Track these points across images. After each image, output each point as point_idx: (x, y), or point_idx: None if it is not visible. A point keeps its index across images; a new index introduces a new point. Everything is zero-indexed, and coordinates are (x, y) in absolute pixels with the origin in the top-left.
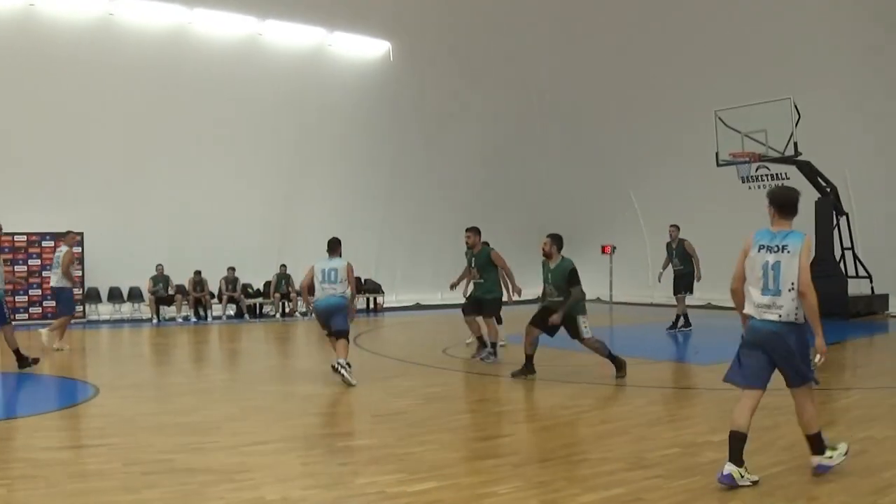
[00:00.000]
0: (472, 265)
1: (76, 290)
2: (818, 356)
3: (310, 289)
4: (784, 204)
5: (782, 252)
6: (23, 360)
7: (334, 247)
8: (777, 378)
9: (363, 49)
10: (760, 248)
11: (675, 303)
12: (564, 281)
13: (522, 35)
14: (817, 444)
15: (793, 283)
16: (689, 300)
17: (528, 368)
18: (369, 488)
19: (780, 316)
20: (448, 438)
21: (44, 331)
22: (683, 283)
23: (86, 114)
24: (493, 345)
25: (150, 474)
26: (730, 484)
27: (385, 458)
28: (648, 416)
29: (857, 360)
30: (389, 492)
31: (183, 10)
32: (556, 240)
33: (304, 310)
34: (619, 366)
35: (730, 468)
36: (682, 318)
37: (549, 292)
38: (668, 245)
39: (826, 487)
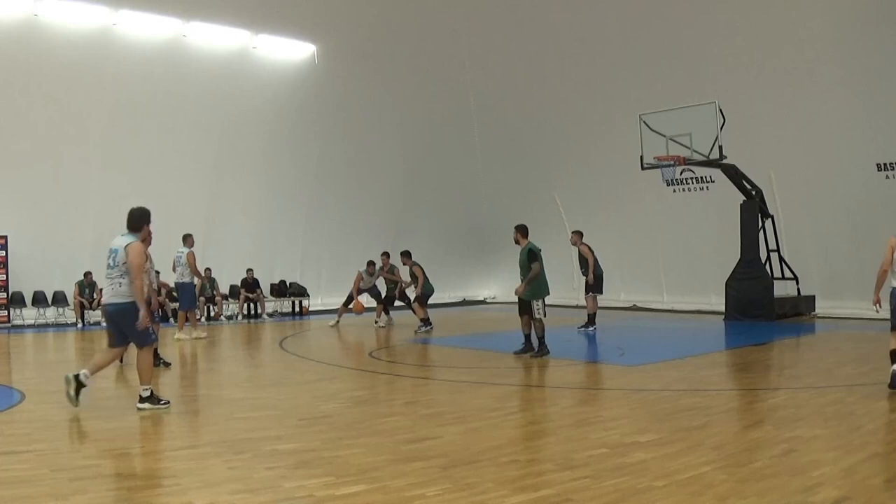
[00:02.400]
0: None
1: None
2: None
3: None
4: None
5: None
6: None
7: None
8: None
9: (288, 51)
10: None
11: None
12: None
13: (447, 37)
14: None
15: None
16: (616, 302)
17: None
18: (298, 492)
19: None
20: (376, 441)
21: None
22: (585, 284)
23: (8, 116)
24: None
25: (78, 480)
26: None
27: (313, 461)
28: (576, 416)
29: (784, 360)
30: (318, 495)
31: (107, 12)
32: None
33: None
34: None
35: None
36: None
37: None
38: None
39: (756, 486)
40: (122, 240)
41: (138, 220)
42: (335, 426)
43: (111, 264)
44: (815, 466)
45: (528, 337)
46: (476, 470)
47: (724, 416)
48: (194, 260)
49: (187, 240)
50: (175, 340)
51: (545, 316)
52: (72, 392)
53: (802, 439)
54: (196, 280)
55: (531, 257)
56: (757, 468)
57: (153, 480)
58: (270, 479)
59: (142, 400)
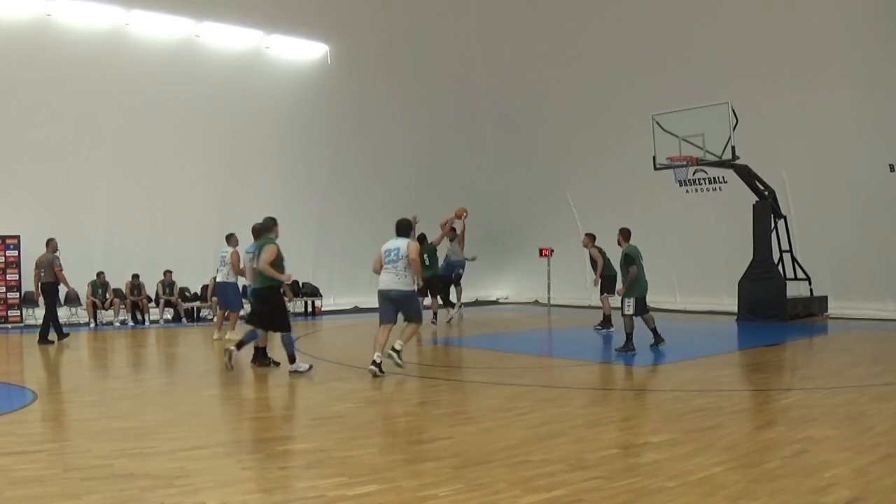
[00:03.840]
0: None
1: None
2: None
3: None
4: None
5: None
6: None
7: None
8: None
9: (300, 51)
10: None
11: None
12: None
13: (459, 37)
14: None
15: None
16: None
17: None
18: (310, 492)
19: None
20: (388, 441)
21: (218, 333)
22: (603, 285)
23: (20, 116)
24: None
25: (90, 480)
26: None
27: (325, 461)
28: (588, 417)
29: (796, 361)
30: (330, 496)
31: (120, 12)
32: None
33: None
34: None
35: None
36: (603, 318)
37: None
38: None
39: (768, 487)
40: (401, 241)
41: (406, 228)
42: (348, 426)
43: (394, 259)
44: (827, 467)
45: (653, 329)
46: (488, 470)
47: (736, 417)
48: (238, 259)
49: (230, 239)
50: (227, 341)
51: (634, 314)
52: (398, 360)
53: (814, 440)
54: (240, 280)
55: (627, 261)
56: (769, 469)
57: (165, 480)
58: (283, 479)
59: (394, 350)
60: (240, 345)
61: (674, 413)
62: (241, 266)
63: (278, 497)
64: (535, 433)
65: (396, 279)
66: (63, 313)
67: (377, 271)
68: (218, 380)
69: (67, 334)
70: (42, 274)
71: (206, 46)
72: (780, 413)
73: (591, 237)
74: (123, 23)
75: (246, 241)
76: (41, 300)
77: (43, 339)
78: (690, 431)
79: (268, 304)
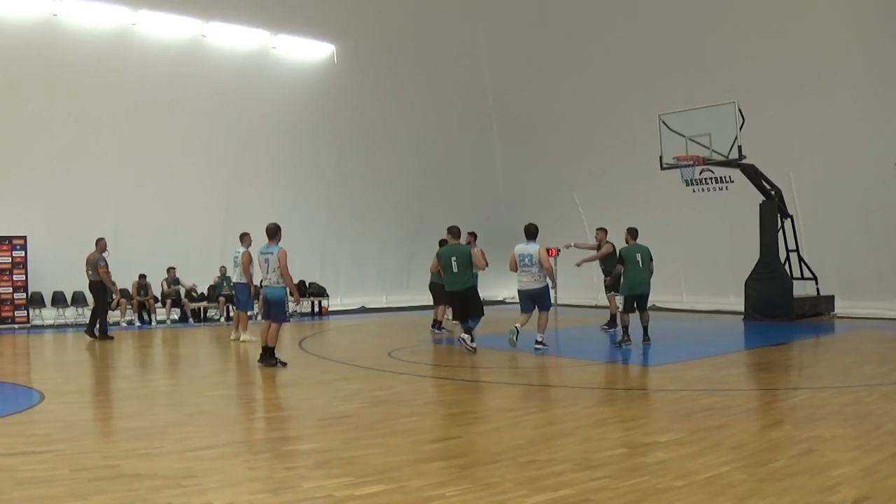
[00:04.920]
0: None
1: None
2: None
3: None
4: None
5: None
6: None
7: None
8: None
9: (307, 51)
10: None
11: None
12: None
13: (466, 38)
14: None
15: None
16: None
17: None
18: (317, 492)
19: None
20: (395, 441)
21: (235, 333)
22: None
23: (27, 117)
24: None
25: (97, 480)
26: None
27: (332, 461)
28: (595, 416)
29: (803, 360)
30: (337, 495)
31: (127, 12)
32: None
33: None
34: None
35: None
36: (610, 318)
37: None
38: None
39: (775, 486)
40: (532, 247)
41: (534, 233)
42: (355, 426)
43: (529, 264)
44: (834, 466)
45: (643, 327)
46: (495, 470)
47: (743, 416)
48: (249, 260)
49: (244, 238)
50: (241, 342)
51: (621, 310)
52: (514, 338)
53: (822, 439)
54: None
55: (618, 259)
56: (776, 468)
57: (172, 480)
58: (290, 480)
59: (538, 342)
60: (467, 330)
61: (681, 412)
62: (251, 267)
63: (285, 497)
64: (542, 433)
65: (533, 280)
66: (70, 314)
67: (513, 269)
68: (225, 380)
69: (111, 337)
70: (90, 273)
71: (212, 46)
72: (788, 412)
73: (604, 231)
74: (130, 23)
75: (259, 241)
76: (91, 298)
77: (103, 335)
78: (697, 431)
79: (471, 301)
